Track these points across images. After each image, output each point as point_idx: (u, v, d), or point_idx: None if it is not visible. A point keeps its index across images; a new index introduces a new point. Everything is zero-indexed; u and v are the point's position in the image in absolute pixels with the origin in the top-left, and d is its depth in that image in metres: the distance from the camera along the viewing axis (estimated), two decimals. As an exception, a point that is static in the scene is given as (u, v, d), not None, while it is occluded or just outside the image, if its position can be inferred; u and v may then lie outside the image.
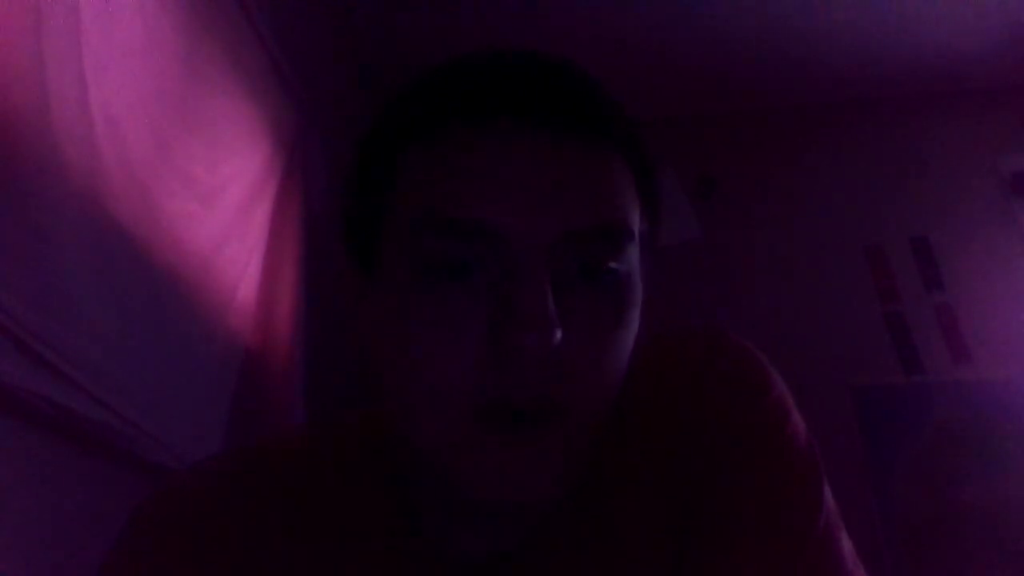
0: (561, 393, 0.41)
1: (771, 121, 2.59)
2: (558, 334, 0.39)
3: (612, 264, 0.43)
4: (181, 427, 1.11)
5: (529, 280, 0.40)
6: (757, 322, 1.99)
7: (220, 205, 1.34)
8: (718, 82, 2.52)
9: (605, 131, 0.44)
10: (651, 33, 2.31)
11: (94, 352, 0.92)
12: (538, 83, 0.43)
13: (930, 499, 2.02)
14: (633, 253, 0.44)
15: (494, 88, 0.43)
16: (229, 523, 0.49)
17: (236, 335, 1.37)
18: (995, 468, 2.01)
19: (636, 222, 0.45)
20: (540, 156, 0.42)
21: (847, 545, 0.49)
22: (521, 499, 0.43)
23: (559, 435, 0.42)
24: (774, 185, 2.49)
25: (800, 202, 2.46)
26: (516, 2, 2.18)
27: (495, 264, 0.41)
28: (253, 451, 0.56)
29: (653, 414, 0.51)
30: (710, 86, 2.54)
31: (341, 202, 0.50)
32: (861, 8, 2.21)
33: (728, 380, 0.51)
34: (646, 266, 0.47)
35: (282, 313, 1.48)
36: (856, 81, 2.50)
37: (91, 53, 0.96)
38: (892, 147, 2.49)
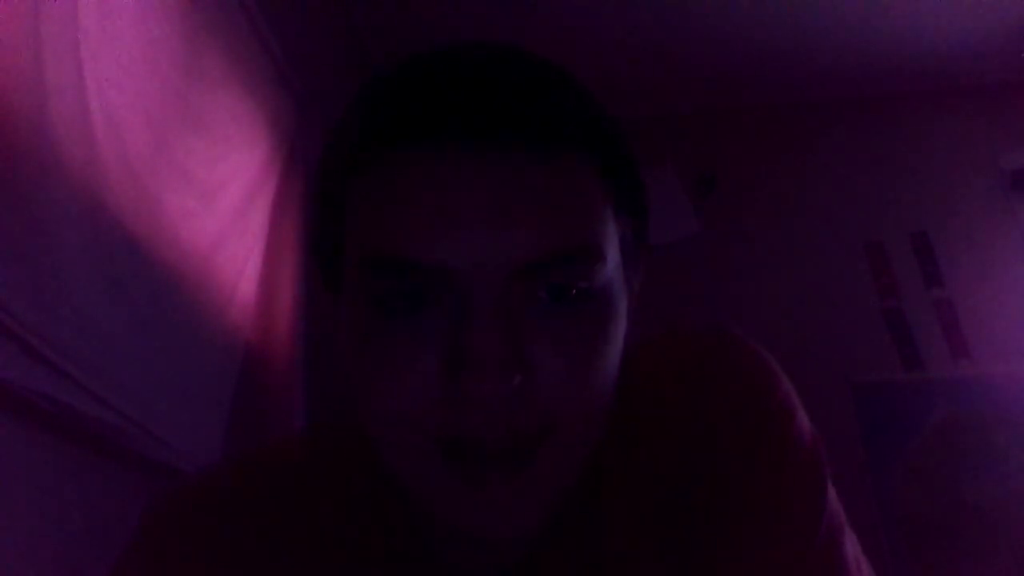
0: (536, 425, 0.39)
1: (771, 118, 2.59)
2: (516, 378, 0.37)
3: (582, 284, 0.39)
4: (181, 424, 1.11)
5: (480, 322, 0.37)
6: (757, 319, 1.99)
7: (219, 203, 1.34)
8: (718, 79, 2.52)
9: (560, 138, 0.40)
10: (651, 30, 2.31)
11: (94, 349, 0.92)
12: (474, 94, 0.39)
13: (930, 495, 2.02)
14: (606, 268, 0.40)
15: (424, 107, 0.39)
16: (237, 530, 0.49)
17: (236, 332, 1.37)
18: (995, 464, 2.01)
19: (608, 234, 0.41)
20: (484, 180, 0.38)
21: (851, 549, 0.48)
22: (498, 537, 0.41)
23: (539, 468, 0.40)
24: (774, 182, 2.49)
25: (800, 199, 2.46)
26: (516, 1, 2.18)
27: (448, 300, 0.38)
28: (259, 457, 0.56)
29: (655, 418, 0.50)
30: (710, 83, 2.54)
31: (308, 223, 0.48)
32: (860, 5, 2.21)
33: (732, 382, 0.50)
34: (633, 267, 0.46)
35: (282, 310, 1.48)
36: (856, 78, 2.50)
37: (89, 51, 0.96)
38: (892, 143, 2.49)
